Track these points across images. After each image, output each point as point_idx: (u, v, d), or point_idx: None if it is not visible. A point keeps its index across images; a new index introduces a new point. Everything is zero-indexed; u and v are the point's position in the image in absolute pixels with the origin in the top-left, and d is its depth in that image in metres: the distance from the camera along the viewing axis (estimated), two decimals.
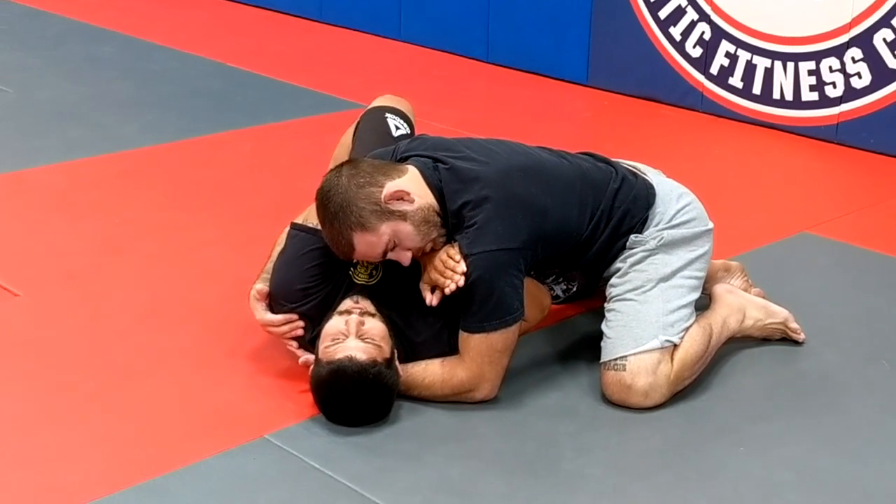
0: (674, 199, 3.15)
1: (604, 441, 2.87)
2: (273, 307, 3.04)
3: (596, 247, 3.06)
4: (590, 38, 5.75)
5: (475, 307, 2.87)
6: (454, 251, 2.88)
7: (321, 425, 2.85)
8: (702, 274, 3.14)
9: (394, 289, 3.01)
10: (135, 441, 2.79)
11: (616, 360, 2.97)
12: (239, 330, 3.27)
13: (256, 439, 2.79)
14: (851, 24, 4.83)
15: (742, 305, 3.26)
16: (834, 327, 3.42)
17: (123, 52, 6.39)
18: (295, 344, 3.03)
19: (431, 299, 2.91)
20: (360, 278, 3.03)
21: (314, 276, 3.01)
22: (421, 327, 2.99)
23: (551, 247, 2.97)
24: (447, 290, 2.85)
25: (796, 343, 3.31)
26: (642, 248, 3.07)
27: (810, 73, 5.01)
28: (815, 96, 5.02)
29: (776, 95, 5.14)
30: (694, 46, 5.36)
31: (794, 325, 3.30)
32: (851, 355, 3.29)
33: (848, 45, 4.86)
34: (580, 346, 3.29)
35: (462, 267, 2.83)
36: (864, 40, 4.81)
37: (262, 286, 3.05)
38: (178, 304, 3.47)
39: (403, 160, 3.02)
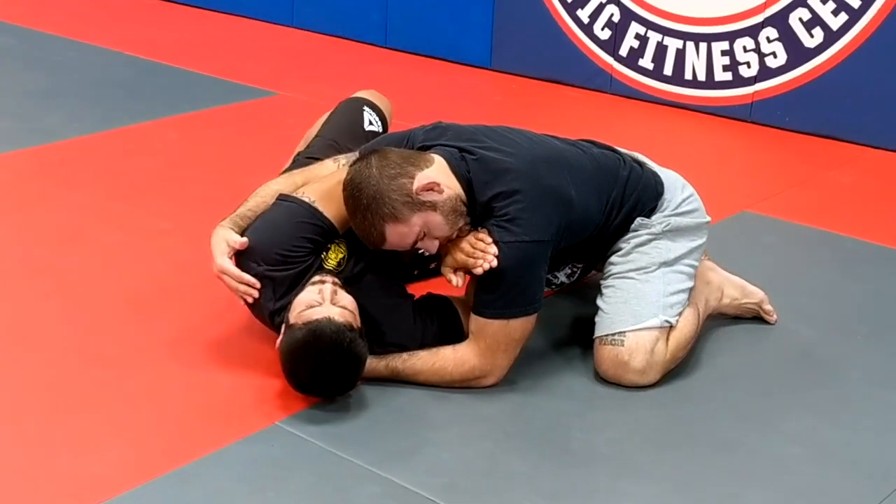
0: (678, 188, 3.09)
1: (608, 420, 2.79)
2: (239, 261, 2.85)
3: (608, 234, 2.98)
4: (493, 22, 5.61)
5: (498, 294, 2.77)
6: (483, 234, 2.77)
7: (326, 411, 2.76)
8: (697, 264, 3.08)
9: (359, 283, 2.86)
10: (150, 431, 2.67)
11: (614, 335, 2.89)
12: (219, 319, 3.15)
13: (269, 426, 2.70)
14: (766, 4, 4.81)
15: (721, 283, 3.21)
16: (800, 304, 3.38)
17: (24, 43, 6.06)
18: (242, 301, 2.89)
19: (457, 280, 2.81)
20: (330, 264, 2.88)
21: (299, 248, 2.84)
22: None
23: (573, 236, 2.88)
24: (478, 271, 2.73)
25: (766, 321, 3.24)
26: (647, 231, 2.99)
27: (724, 53, 4.95)
28: (728, 76, 4.96)
29: (688, 76, 5.07)
30: (602, 29, 5.24)
31: (768, 306, 3.26)
32: (825, 331, 3.27)
33: (763, 24, 4.83)
34: (564, 324, 3.20)
35: (494, 249, 2.73)
36: (779, 20, 4.79)
37: (233, 235, 2.84)
38: (152, 295, 3.31)
39: (424, 149, 2.89)
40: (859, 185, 4.38)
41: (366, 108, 3.49)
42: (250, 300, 2.84)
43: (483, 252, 2.73)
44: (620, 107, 5.23)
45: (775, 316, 3.22)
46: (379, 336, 2.83)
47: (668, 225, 2.98)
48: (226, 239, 2.83)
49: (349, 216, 2.76)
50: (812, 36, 4.71)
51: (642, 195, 2.99)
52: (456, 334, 2.89)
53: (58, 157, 4.34)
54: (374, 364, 2.80)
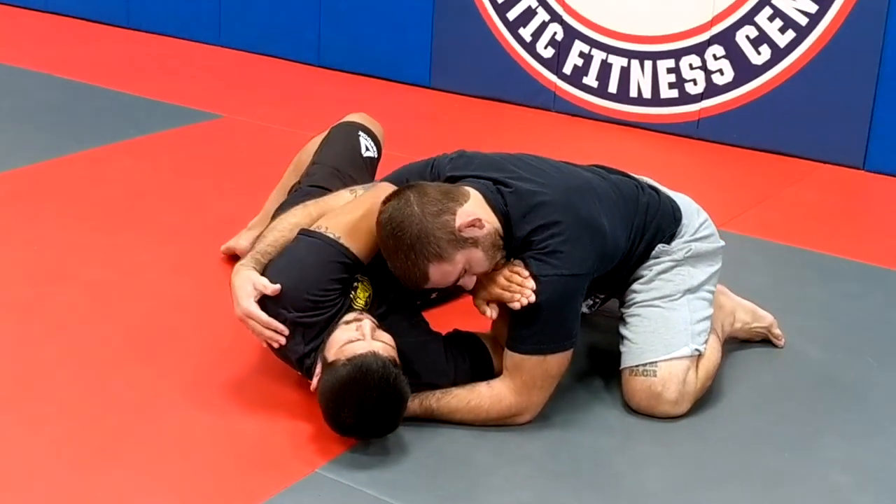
0: (694, 212, 2.99)
1: (652, 455, 2.67)
2: (265, 305, 2.64)
3: (632, 262, 2.86)
4: (432, 39, 5.44)
5: (535, 329, 2.63)
6: (519, 268, 2.62)
7: (366, 455, 2.58)
8: (715, 289, 2.97)
9: (386, 321, 2.70)
10: (188, 484, 2.47)
11: (645, 365, 2.78)
12: (229, 359, 2.95)
13: (309, 474, 2.51)
14: (713, 23, 4.75)
15: (733, 308, 3.12)
16: (801, 325, 3.29)
17: None
18: (265, 344, 2.70)
19: (491, 313, 2.66)
20: (358, 304, 2.71)
21: (331, 291, 2.65)
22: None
23: (604, 267, 2.75)
24: (515, 306, 2.59)
25: (774, 345, 3.16)
26: (669, 258, 2.88)
27: (669, 70, 4.88)
28: (674, 94, 4.91)
29: (633, 94, 4.99)
30: (546, 47, 5.13)
31: (777, 330, 3.19)
32: (833, 352, 3.20)
33: (709, 42, 4.76)
34: (581, 353, 3.03)
35: (532, 283, 2.58)
36: (725, 38, 4.75)
37: (260, 278, 2.64)
38: (151, 335, 3.08)
39: (453, 180, 2.73)
40: (822, 200, 4.34)
41: (361, 133, 3.32)
42: (276, 346, 2.65)
43: (521, 287, 2.58)
44: (565, 125, 5.12)
45: (783, 340, 3.15)
46: (411, 375, 2.63)
47: (689, 251, 2.88)
48: (252, 281, 2.63)
49: (388, 256, 2.58)
50: (759, 53, 4.69)
51: (662, 221, 2.88)
52: (486, 371, 2.75)
53: (11, 188, 4.05)
54: (408, 403, 2.62)
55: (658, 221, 2.86)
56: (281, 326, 2.61)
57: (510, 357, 2.66)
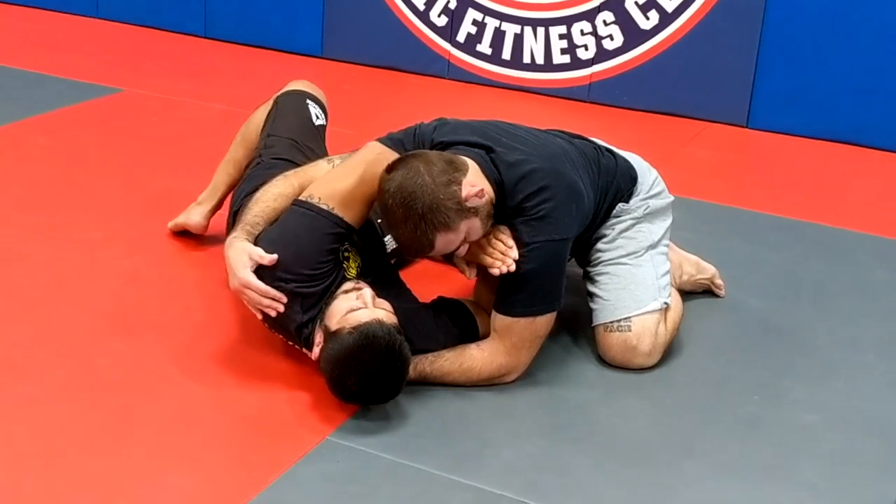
0: (646, 170, 3.04)
1: (636, 406, 2.74)
2: (261, 276, 2.58)
3: (597, 223, 2.89)
4: (323, 8, 5.34)
5: (527, 293, 2.65)
6: (505, 235, 2.63)
7: (370, 420, 2.57)
8: (668, 243, 3.04)
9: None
10: (205, 460, 2.42)
11: (619, 321, 2.83)
12: (208, 334, 2.88)
13: (321, 441, 2.48)
14: None
15: (679, 261, 3.21)
16: (735, 276, 3.38)
17: None
18: (260, 315, 2.63)
19: (470, 273, 2.69)
20: (351, 273, 2.69)
21: (326, 262, 2.61)
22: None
23: (581, 229, 2.79)
24: (494, 272, 2.61)
25: (715, 295, 3.26)
26: (629, 216, 2.93)
27: (561, 37, 4.93)
28: (566, 59, 4.96)
29: (527, 60, 5.03)
30: (439, 15, 5.13)
31: (719, 280, 3.30)
32: (772, 300, 3.32)
33: (599, 8, 4.85)
34: None
35: (515, 253, 2.61)
36: (615, 4, 4.84)
37: (256, 248, 2.58)
38: (123, 312, 2.98)
39: (443, 147, 2.71)
40: (716, 158, 4.49)
41: (309, 101, 3.25)
42: (274, 314, 2.59)
43: (503, 255, 2.60)
44: (460, 92, 5.11)
45: (724, 290, 3.26)
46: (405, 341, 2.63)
47: (647, 208, 2.94)
48: (248, 252, 2.57)
49: (394, 225, 2.55)
50: (647, 18, 4.78)
51: (621, 182, 2.93)
52: (473, 334, 2.77)
53: None
54: None
55: (618, 182, 2.91)
56: (279, 294, 2.56)
57: (500, 319, 2.67)
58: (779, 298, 3.28)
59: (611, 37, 4.88)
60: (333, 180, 2.67)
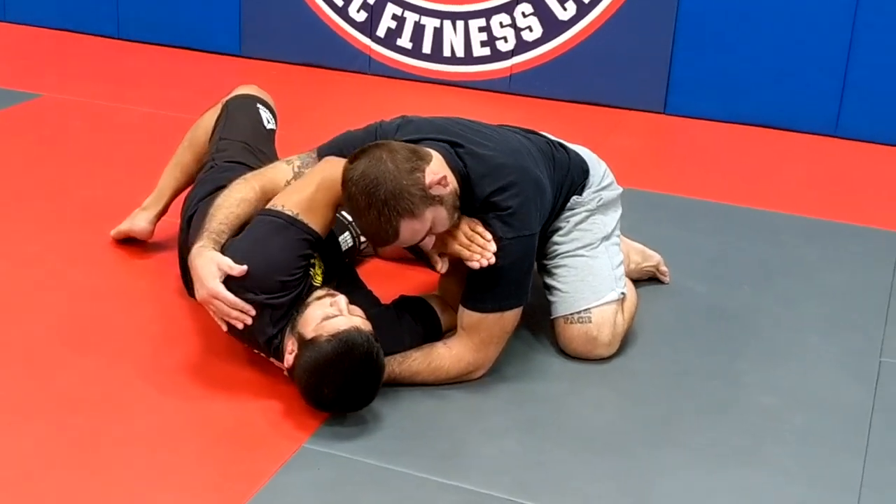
0: (596, 162, 3.03)
1: (605, 396, 2.74)
2: (230, 287, 2.50)
3: (552, 217, 2.87)
4: (240, 7, 5.22)
5: (498, 289, 2.62)
6: (481, 229, 2.59)
7: (344, 426, 2.51)
8: (619, 234, 3.04)
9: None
10: (186, 473, 2.34)
11: (580, 312, 2.82)
12: (172, 346, 2.79)
13: (298, 450, 2.41)
14: None
15: (626, 250, 3.21)
16: (674, 263, 3.38)
17: None
18: (225, 327, 2.55)
19: (442, 266, 2.64)
20: (317, 280, 2.63)
21: (298, 269, 2.55)
22: None
23: (542, 224, 2.76)
24: (474, 265, 2.57)
25: (660, 282, 3.28)
26: (583, 208, 2.92)
27: (481, 29, 4.90)
28: (486, 51, 4.94)
29: (447, 53, 5.00)
30: (358, 11, 5.06)
31: (664, 267, 3.32)
32: (713, 285, 3.35)
33: (517, 1, 4.84)
34: None
35: (493, 246, 2.57)
36: None
37: (225, 259, 2.50)
38: (79, 327, 2.87)
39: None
40: (641, 146, 4.51)
41: (259, 105, 3.17)
42: (241, 327, 2.51)
43: (482, 248, 2.56)
44: (382, 87, 5.05)
45: (669, 276, 3.28)
46: None
47: (600, 200, 2.94)
48: (216, 262, 2.49)
49: (358, 214, 2.49)
50: (565, 9, 4.78)
51: (574, 175, 2.92)
52: (436, 332, 2.74)
53: None
54: None
55: (571, 175, 2.90)
56: (248, 306, 2.48)
57: (469, 316, 2.64)
58: (720, 282, 3.31)
59: (529, 28, 4.87)
60: (295, 190, 2.62)
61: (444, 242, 2.61)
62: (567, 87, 4.90)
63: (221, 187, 2.75)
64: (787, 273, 3.41)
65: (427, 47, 5.02)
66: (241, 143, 3.01)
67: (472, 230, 2.59)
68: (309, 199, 2.56)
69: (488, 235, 2.57)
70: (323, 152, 2.74)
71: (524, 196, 2.61)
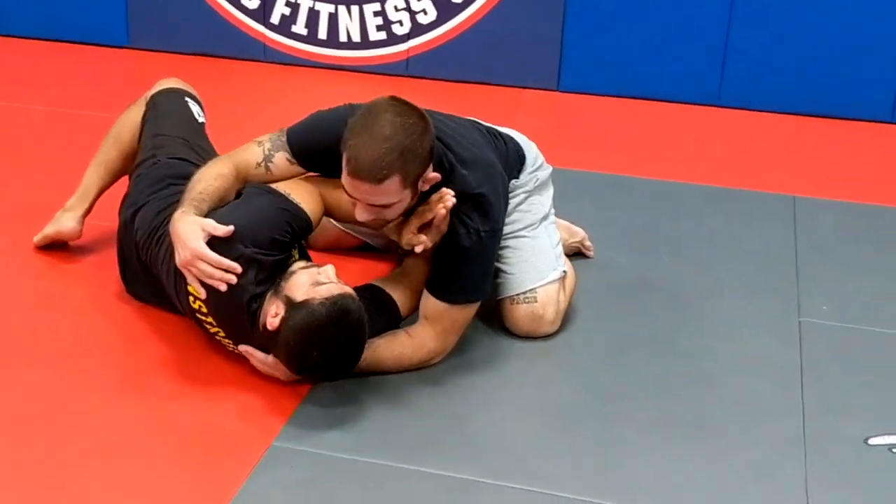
0: (527, 144, 3.06)
1: (553, 373, 2.79)
2: (214, 246, 2.46)
3: None
4: None
5: (468, 281, 2.66)
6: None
7: (306, 419, 2.48)
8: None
9: None
10: (156, 483, 2.27)
11: (526, 293, 2.86)
12: (118, 351, 2.72)
13: (268, 449, 2.38)
14: None
15: None
16: (593, 237, 3.42)
17: None
18: (203, 293, 2.47)
19: (427, 243, 2.58)
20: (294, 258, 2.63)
21: (287, 234, 2.54)
22: None
23: None
24: (442, 212, 2.54)
25: (585, 256, 3.33)
26: (521, 189, 2.95)
27: (376, 14, 4.87)
28: (383, 35, 4.91)
29: (343, 38, 4.95)
30: None
31: (588, 242, 3.38)
32: (633, 257, 3.41)
33: None
34: None
35: (449, 192, 2.55)
36: None
37: (209, 220, 2.47)
38: (18, 337, 2.76)
39: None
40: (540, 124, 4.51)
41: (188, 99, 3.09)
42: (223, 288, 2.44)
43: (440, 198, 2.55)
44: (278, 74, 4.97)
45: (593, 251, 3.34)
46: None
47: (536, 180, 2.97)
48: (200, 224, 2.45)
49: (368, 132, 2.40)
50: None
51: (514, 162, 2.95)
52: (395, 318, 2.72)
53: None
54: None
55: (511, 161, 2.92)
56: (233, 264, 2.43)
57: (433, 305, 2.65)
58: (638, 254, 3.39)
59: (424, 11, 4.86)
60: (290, 182, 2.63)
61: (412, 221, 2.59)
62: (463, 68, 4.90)
63: (172, 181, 2.73)
64: (698, 241, 3.51)
65: (323, 33, 4.96)
66: (180, 139, 2.94)
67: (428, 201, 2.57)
68: (305, 189, 2.60)
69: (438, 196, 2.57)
70: (293, 133, 2.70)
71: (496, 190, 2.65)
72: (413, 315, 2.73)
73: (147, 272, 2.75)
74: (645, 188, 3.93)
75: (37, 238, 3.11)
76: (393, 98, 2.52)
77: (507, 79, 4.90)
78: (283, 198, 2.57)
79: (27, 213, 3.31)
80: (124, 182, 3.07)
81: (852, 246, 3.52)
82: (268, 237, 2.49)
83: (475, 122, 2.96)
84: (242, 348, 2.53)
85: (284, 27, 4.98)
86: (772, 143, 4.48)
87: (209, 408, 2.49)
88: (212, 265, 2.43)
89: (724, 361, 2.83)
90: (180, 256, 2.46)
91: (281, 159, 2.67)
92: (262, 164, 2.68)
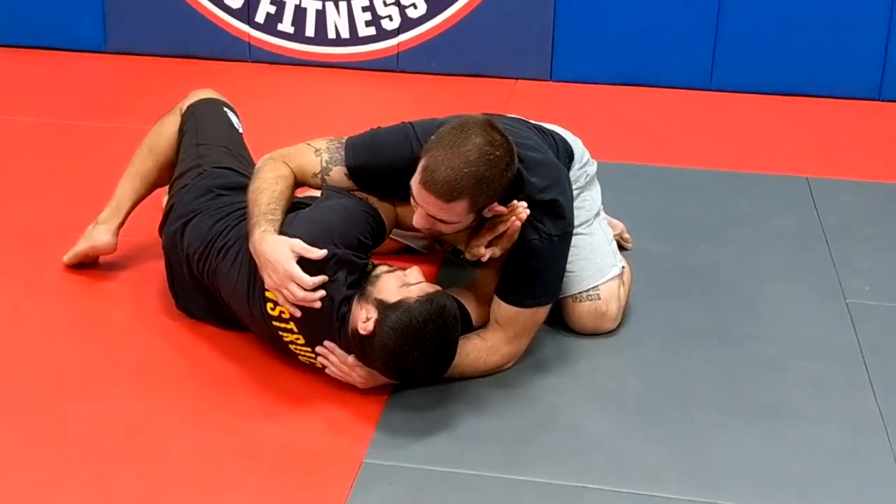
0: (571, 140, 3.00)
1: (625, 366, 2.73)
2: (305, 262, 2.39)
3: None
4: (103, 1, 4.85)
5: (538, 283, 2.60)
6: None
7: (392, 429, 2.41)
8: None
9: None
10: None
11: (588, 290, 2.82)
12: (186, 376, 2.59)
13: (361, 467, 2.29)
14: None
15: None
16: (628, 226, 3.37)
17: None
18: (298, 313, 2.40)
19: (493, 252, 2.52)
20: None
21: (369, 235, 2.49)
22: None
23: None
24: (517, 224, 2.48)
25: (623, 248, 3.29)
26: (575, 185, 2.88)
27: (364, 9, 4.78)
28: (372, 31, 4.82)
29: (331, 35, 4.86)
30: None
31: (627, 234, 3.34)
32: (670, 245, 3.39)
33: None
34: None
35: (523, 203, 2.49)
36: None
37: (300, 242, 2.39)
38: (66, 365, 2.61)
39: None
40: (537, 113, 4.36)
41: (226, 109, 3.00)
42: (318, 306, 2.36)
43: (513, 210, 2.48)
44: (264, 73, 4.88)
45: (631, 242, 3.30)
46: None
47: (587, 176, 2.94)
48: (290, 246, 2.38)
49: (450, 147, 2.35)
50: None
51: (563, 157, 2.88)
52: (468, 330, 2.63)
53: None
54: None
55: (561, 158, 2.86)
56: (323, 279, 2.35)
57: (506, 309, 2.59)
58: (674, 241, 3.36)
59: (414, 5, 4.78)
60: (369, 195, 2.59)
61: (482, 234, 2.52)
62: (455, 61, 4.85)
63: (220, 192, 2.66)
64: (730, 225, 3.50)
65: (310, 30, 4.85)
66: (223, 148, 2.86)
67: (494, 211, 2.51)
68: (379, 202, 2.55)
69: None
70: (353, 149, 2.61)
71: (565, 193, 2.60)
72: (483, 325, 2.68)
73: (199, 285, 2.65)
74: (662, 175, 3.90)
75: (67, 256, 2.98)
76: (489, 122, 2.45)
77: (500, 70, 4.84)
78: (364, 202, 2.52)
79: (49, 229, 3.19)
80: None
81: (877, 225, 3.54)
82: (356, 238, 2.44)
83: (523, 119, 2.89)
84: (324, 347, 2.44)
85: (270, 25, 4.87)
86: (770, 124, 4.48)
87: (290, 426, 2.39)
88: (306, 287, 2.37)
89: (783, 345, 2.81)
90: (272, 280, 2.38)
91: (339, 174, 2.61)
92: (319, 175, 2.61)
